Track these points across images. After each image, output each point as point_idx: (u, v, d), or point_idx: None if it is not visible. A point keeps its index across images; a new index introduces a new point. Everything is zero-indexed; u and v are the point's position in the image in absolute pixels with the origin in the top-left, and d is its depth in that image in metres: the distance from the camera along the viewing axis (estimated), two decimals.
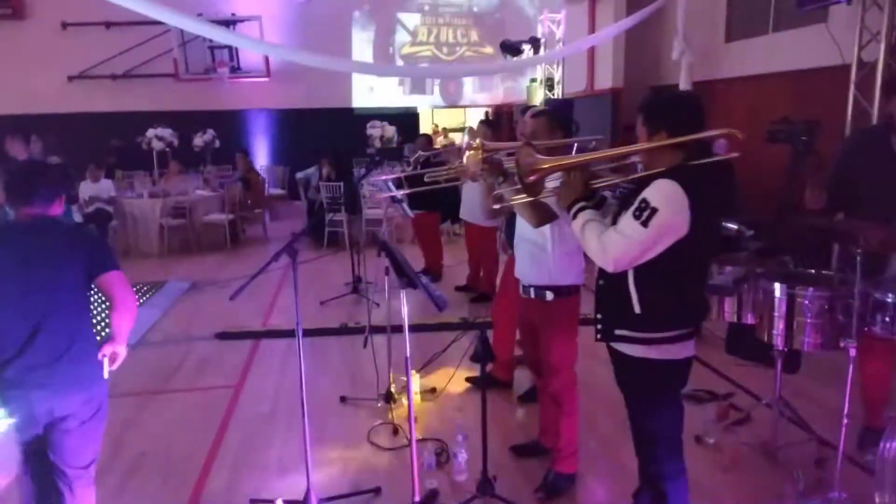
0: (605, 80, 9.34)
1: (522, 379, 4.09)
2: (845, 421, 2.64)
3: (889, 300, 2.63)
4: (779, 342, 2.92)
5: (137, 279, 6.66)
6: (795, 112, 5.71)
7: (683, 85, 7.72)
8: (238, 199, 9.04)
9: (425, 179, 3.19)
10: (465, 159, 2.78)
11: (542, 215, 2.67)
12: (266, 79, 12.14)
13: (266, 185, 10.29)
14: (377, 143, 11.11)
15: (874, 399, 3.14)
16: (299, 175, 10.24)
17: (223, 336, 5.19)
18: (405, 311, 2.76)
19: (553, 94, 10.24)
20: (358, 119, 12.14)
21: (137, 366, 4.37)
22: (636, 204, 2.02)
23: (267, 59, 11.95)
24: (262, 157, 12.56)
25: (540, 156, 2.18)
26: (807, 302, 2.79)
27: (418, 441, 3.18)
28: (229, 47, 11.50)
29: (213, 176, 10.39)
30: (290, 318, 4.18)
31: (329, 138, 10.33)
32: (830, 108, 5.43)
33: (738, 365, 4.29)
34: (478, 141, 2.71)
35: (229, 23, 11.22)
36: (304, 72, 10.57)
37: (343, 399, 3.95)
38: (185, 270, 7.51)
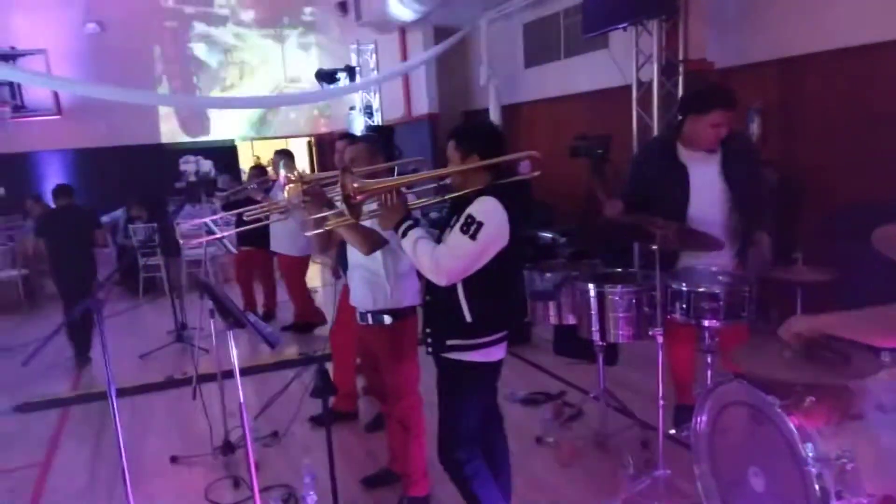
0: (422, 106, 9.66)
1: (368, 407, 4.03)
2: (661, 403, 2.93)
3: (684, 289, 2.96)
4: (597, 337, 3.16)
5: None
6: (590, 129, 6.31)
7: (493, 108, 8.22)
8: (32, 251, 7.99)
9: (245, 219, 3.06)
10: (285, 194, 2.72)
11: (373, 242, 2.68)
12: (57, 117, 10.95)
13: None
14: (192, 179, 10.50)
15: (683, 379, 3.50)
16: (105, 219, 9.28)
17: (24, 408, 4.52)
18: (234, 353, 2.59)
19: (373, 121, 10.37)
20: (169, 155, 11.38)
21: None
22: (462, 220, 2.19)
23: (57, 96, 10.81)
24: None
25: (364, 179, 2.24)
26: (617, 298, 3.06)
27: (263, 491, 3.02)
28: (10, 84, 10.23)
29: (0, 227, 9.13)
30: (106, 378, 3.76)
31: (137, 177, 9.55)
32: (619, 123, 6.06)
33: (567, 364, 4.58)
34: (296, 173, 2.66)
35: (8, 57, 10.00)
36: (103, 107, 9.74)
37: (174, 459, 3.60)
38: None
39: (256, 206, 3.11)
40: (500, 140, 2.37)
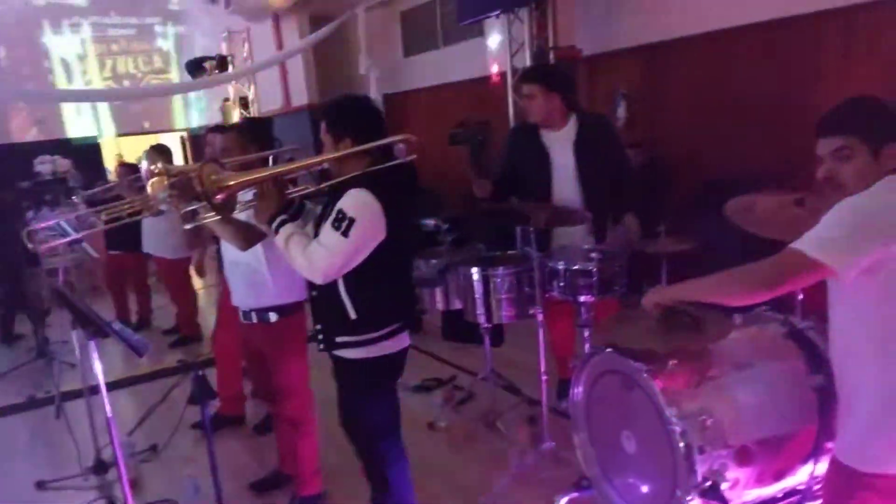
0: (301, 96, 9.39)
1: (255, 410, 3.89)
2: (544, 378, 3.04)
3: (560, 267, 3.06)
4: (483, 320, 3.22)
5: None
6: (470, 117, 6.40)
7: (374, 97, 8.14)
8: None
9: (103, 219, 2.82)
10: (149, 189, 2.52)
11: (249, 237, 2.55)
12: None
13: None
14: (47, 178, 9.59)
15: (563, 354, 3.64)
16: None
17: None
18: (97, 364, 2.40)
19: (249, 113, 9.97)
20: (21, 155, 10.34)
21: None
22: (334, 215, 2.07)
23: None
24: None
25: (227, 172, 2.09)
26: (499, 280, 3.13)
27: None
28: None
29: None
30: None
31: None
32: (496, 110, 6.20)
33: (455, 349, 4.64)
34: (159, 165, 2.47)
35: None
36: None
37: (40, 484, 3.30)
38: None
39: (118, 202, 2.87)
40: (376, 119, 2.23)
